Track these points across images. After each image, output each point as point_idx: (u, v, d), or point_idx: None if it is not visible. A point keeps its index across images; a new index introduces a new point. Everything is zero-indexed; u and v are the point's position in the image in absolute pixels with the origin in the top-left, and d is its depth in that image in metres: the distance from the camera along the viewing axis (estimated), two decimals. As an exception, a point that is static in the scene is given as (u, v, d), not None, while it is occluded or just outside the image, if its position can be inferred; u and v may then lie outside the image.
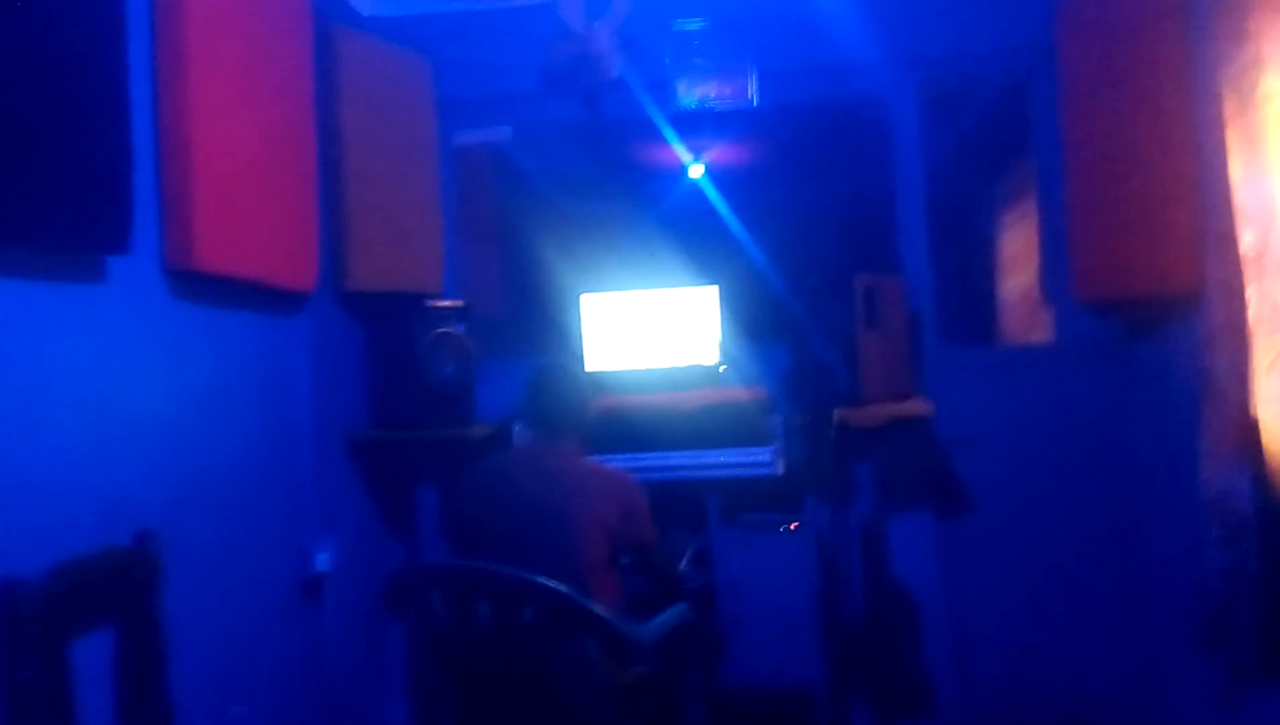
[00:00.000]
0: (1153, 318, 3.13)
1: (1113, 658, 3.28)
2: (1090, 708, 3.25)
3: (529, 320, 3.79)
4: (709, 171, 4.69)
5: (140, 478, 1.97)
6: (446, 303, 3.08)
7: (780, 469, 3.00)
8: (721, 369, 3.27)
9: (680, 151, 4.43)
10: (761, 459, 3.01)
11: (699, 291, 3.31)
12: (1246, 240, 2.44)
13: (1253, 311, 2.42)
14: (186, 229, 2.05)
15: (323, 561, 2.70)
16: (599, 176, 4.65)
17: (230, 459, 2.34)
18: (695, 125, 4.07)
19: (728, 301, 3.34)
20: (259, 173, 2.36)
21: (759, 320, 3.49)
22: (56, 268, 1.76)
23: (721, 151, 4.64)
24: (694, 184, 4.70)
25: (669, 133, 3.57)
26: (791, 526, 3.04)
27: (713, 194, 4.46)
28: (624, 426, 3.04)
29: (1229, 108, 2.51)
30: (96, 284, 1.87)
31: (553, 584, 2.00)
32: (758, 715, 3.07)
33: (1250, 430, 2.46)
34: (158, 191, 2.06)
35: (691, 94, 3.34)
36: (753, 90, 3.33)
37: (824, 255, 4.07)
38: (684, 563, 2.93)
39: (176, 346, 2.14)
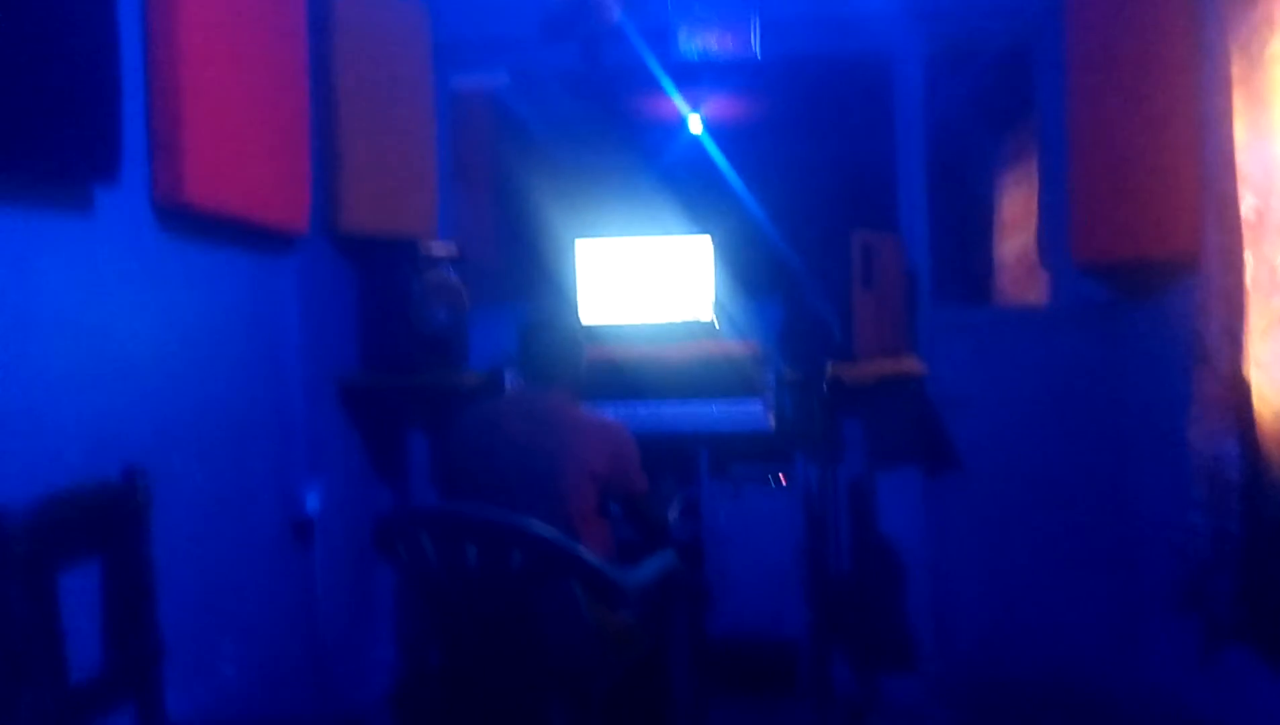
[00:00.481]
0: (1149, 282, 3.13)
1: (1092, 617, 3.33)
2: (1069, 666, 3.30)
3: (523, 268, 3.77)
4: (708, 125, 4.63)
5: (128, 414, 1.95)
6: (440, 247, 3.05)
7: (771, 423, 3.00)
8: (715, 322, 3.26)
9: (680, 104, 4.37)
10: (753, 413, 3.01)
11: (693, 241, 3.28)
12: (1247, 204, 2.43)
13: (1250, 276, 2.42)
14: (176, 163, 2.01)
15: (312, 504, 2.71)
16: (597, 127, 4.59)
17: (219, 398, 2.33)
18: (696, 76, 4.02)
19: (723, 254, 3.32)
20: (251, 109, 2.32)
21: (754, 274, 3.48)
22: (43, 197, 1.73)
23: (721, 104, 4.59)
24: (693, 137, 4.65)
25: (668, 84, 3.52)
26: (780, 480, 3.06)
27: (711, 147, 4.41)
28: (617, 376, 3.03)
29: (1236, 69, 2.48)
30: (84, 216, 1.84)
31: (541, 528, 2.00)
32: (741, 664, 3.11)
33: (1241, 394, 2.47)
34: (147, 125, 2.02)
35: (693, 43, 3.29)
36: (755, 41, 3.28)
37: (821, 211, 4.05)
38: (673, 513, 2.94)
39: (165, 283, 2.11)
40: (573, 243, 3.32)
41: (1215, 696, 2.83)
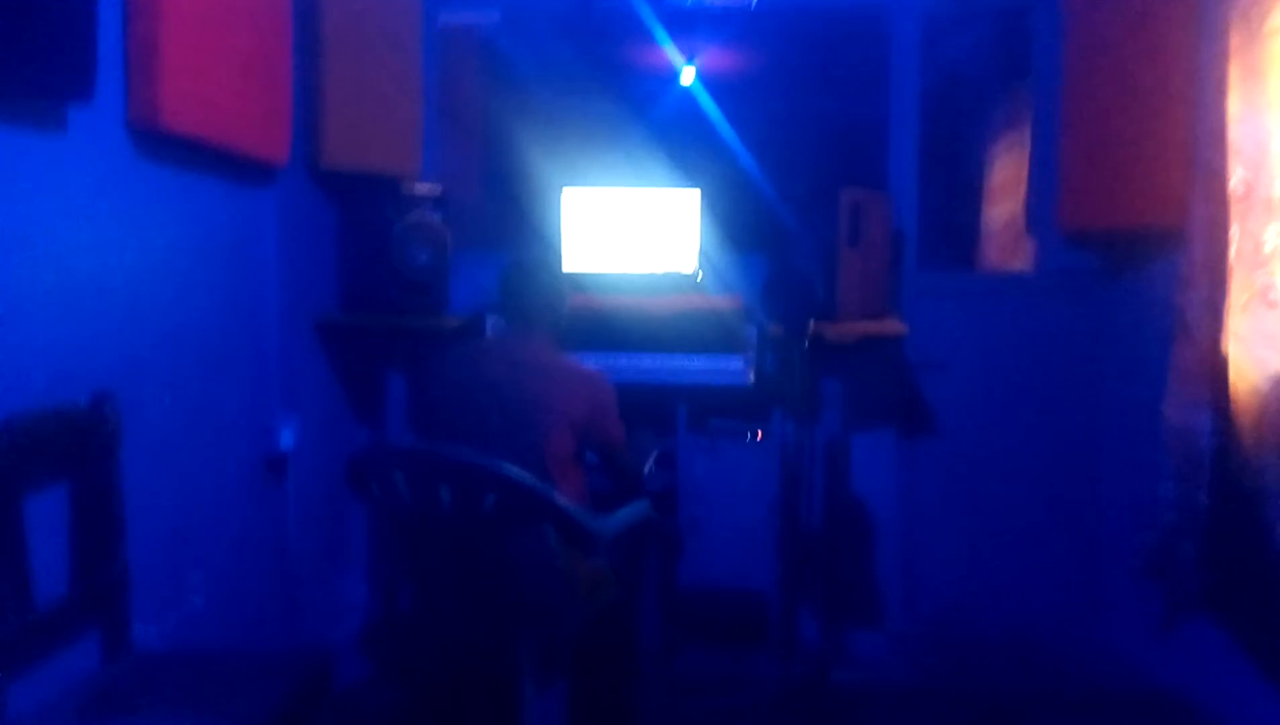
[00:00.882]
0: (1133, 253, 3.13)
1: (1057, 581, 3.38)
2: (1032, 628, 3.36)
3: (508, 212, 3.71)
4: (701, 76, 4.56)
5: (98, 339, 1.92)
6: (423, 188, 3.00)
7: (751, 379, 3.00)
8: (699, 276, 3.24)
9: (672, 53, 4.30)
10: (733, 368, 3.01)
11: (681, 193, 3.25)
12: (1236, 177, 2.43)
13: (1234, 249, 2.43)
14: (153, 85, 1.96)
15: (286, 440, 2.69)
16: (588, 73, 4.50)
17: (193, 329, 2.30)
18: (689, 26, 3.94)
19: (710, 207, 3.29)
20: (231, 34, 2.26)
21: (740, 228, 3.45)
22: (12, 115, 1.67)
23: (715, 56, 4.51)
24: (684, 89, 4.58)
25: (662, 32, 3.45)
26: (758, 436, 3.07)
27: (704, 99, 4.35)
28: (598, 326, 3.02)
29: (1235, 40, 2.46)
30: (57, 135, 1.79)
31: (516, 472, 1.99)
32: (710, 615, 3.15)
33: (1218, 367, 2.48)
34: (124, 45, 1.96)
35: (688, -10, 3.23)
36: (752, -10, 3.22)
37: (812, 168, 4.01)
38: (649, 464, 2.94)
39: (140, 208, 2.07)
40: (559, 191, 3.28)
41: (1175, 662, 2.89)
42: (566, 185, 3.28)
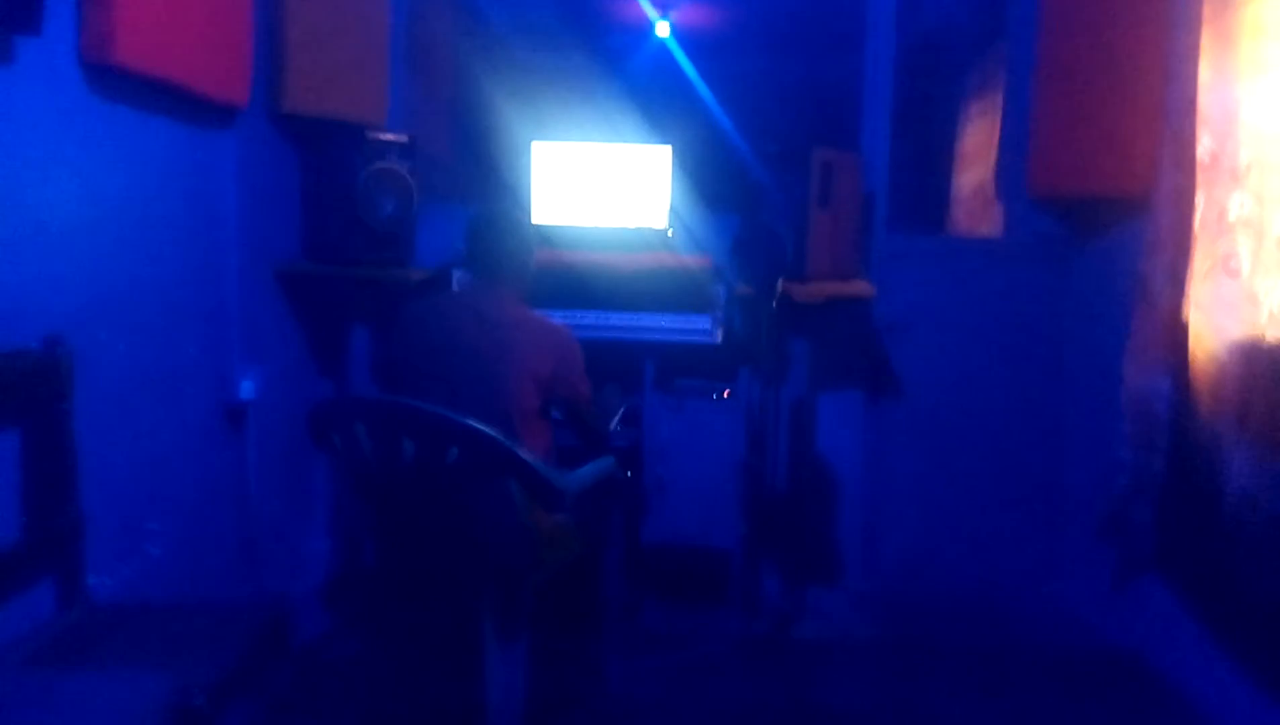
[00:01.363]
0: (1101, 219, 3.16)
1: (1015, 543, 3.45)
2: (988, 587, 3.42)
3: (476, 163, 3.65)
4: (675, 31, 4.49)
5: (50, 283, 1.86)
6: (389, 136, 2.93)
7: (718, 338, 2.99)
8: (669, 233, 3.21)
9: (647, 7, 4.23)
10: (701, 327, 3.00)
11: (653, 150, 3.21)
12: (1204, 145, 2.44)
13: (1199, 217, 2.44)
14: (105, 16, 1.88)
15: (247, 390, 2.65)
16: (560, 24, 4.42)
17: (149, 274, 2.24)
18: (666, -24, 3.88)
19: (681, 164, 3.26)
20: (190, -33, 2.18)
21: (712, 186, 3.42)
22: (-43, 42, 1.61)
23: (690, 11, 4.44)
24: (659, 43, 4.51)
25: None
26: (724, 395, 3.07)
27: (678, 54, 4.29)
28: (566, 282, 2.99)
29: (1207, 8, 2.46)
30: (4, 66, 1.72)
31: (479, 426, 1.98)
32: (673, 571, 3.17)
33: (1179, 334, 2.51)
34: (76, -26, 1.88)
35: (664, -60, 3.16)
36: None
37: (785, 127, 3.98)
38: (614, 421, 2.94)
39: (93, 146, 2.00)
40: (529, 144, 3.23)
41: (1127, 621, 2.96)
42: (536, 139, 3.23)
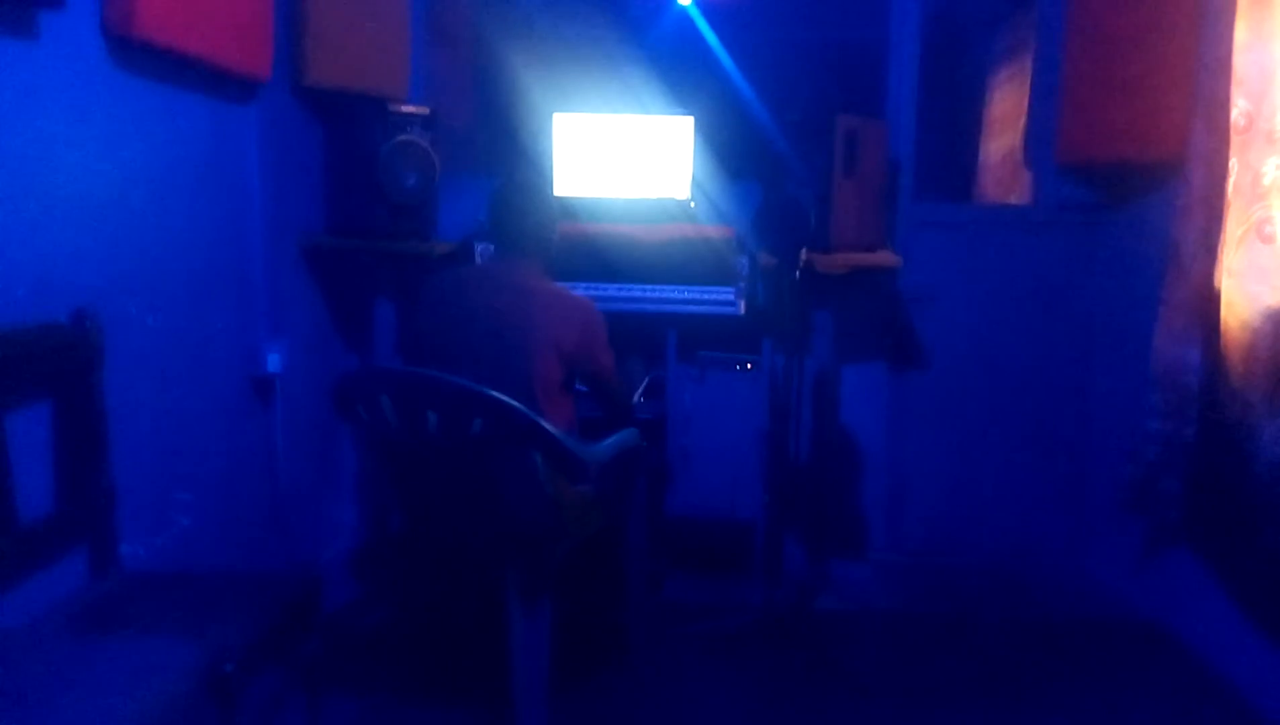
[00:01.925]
0: (1131, 186, 3.10)
1: (1042, 514, 3.42)
2: (1015, 559, 3.41)
3: (498, 136, 3.64)
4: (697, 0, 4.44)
5: (79, 256, 1.89)
6: (411, 109, 2.93)
7: (741, 309, 2.98)
8: (691, 204, 3.19)
9: (670, -26, 4.17)
10: (724, 298, 2.98)
11: (674, 121, 3.18)
12: (1239, 108, 2.38)
13: (1233, 182, 2.39)
14: (128, -10, 1.89)
15: (273, 362, 2.67)
16: (582, -5, 4.38)
17: (175, 248, 2.26)
18: (687, -55, 3.83)
19: (704, 134, 3.23)
20: (210, -60, 2.18)
21: (734, 156, 3.39)
22: (-18, 17, 1.62)
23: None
24: (680, 12, 4.46)
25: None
26: (747, 366, 3.06)
27: (700, 23, 4.24)
28: (588, 254, 2.98)
29: (1245, -35, 2.39)
30: (29, 41, 1.73)
31: (503, 397, 1.98)
32: (697, 542, 3.18)
33: (1210, 302, 2.47)
34: (98, -52, 1.89)
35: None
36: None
37: (807, 94, 3.93)
38: (638, 394, 2.94)
39: (117, 120, 2.01)
40: (550, 116, 3.21)
41: (1154, 592, 2.94)
42: (558, 110, 3.21)
